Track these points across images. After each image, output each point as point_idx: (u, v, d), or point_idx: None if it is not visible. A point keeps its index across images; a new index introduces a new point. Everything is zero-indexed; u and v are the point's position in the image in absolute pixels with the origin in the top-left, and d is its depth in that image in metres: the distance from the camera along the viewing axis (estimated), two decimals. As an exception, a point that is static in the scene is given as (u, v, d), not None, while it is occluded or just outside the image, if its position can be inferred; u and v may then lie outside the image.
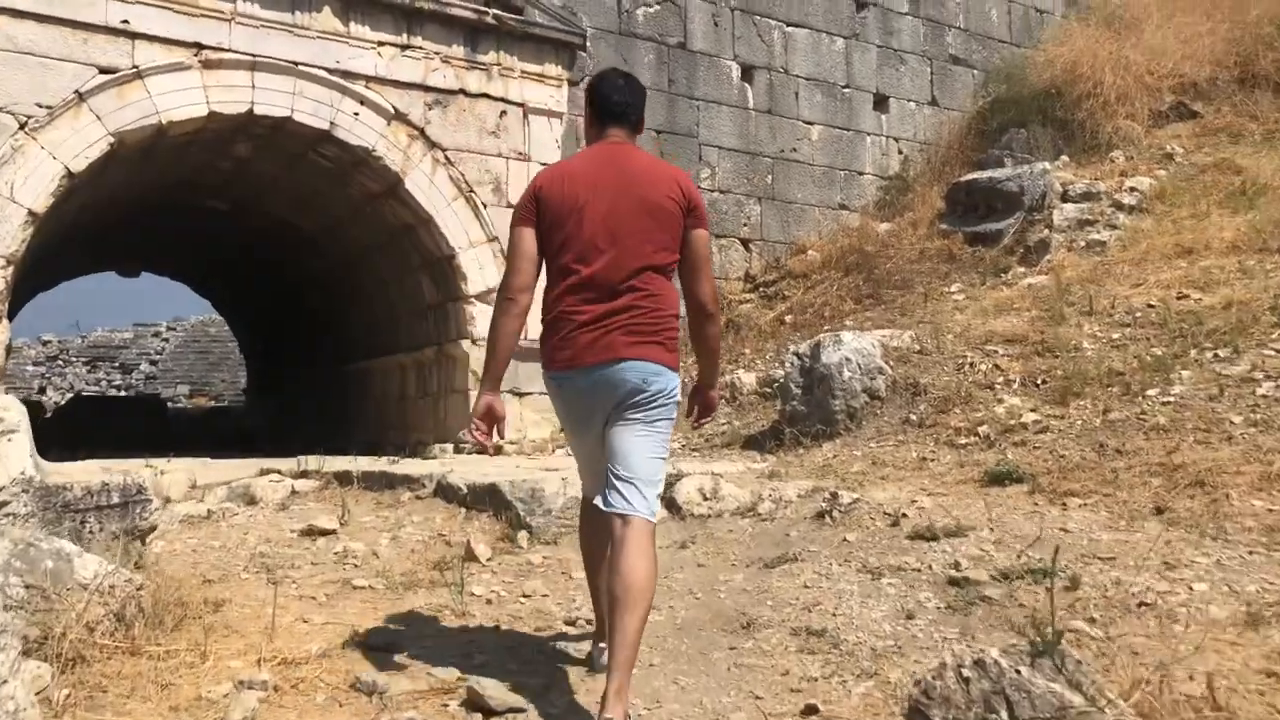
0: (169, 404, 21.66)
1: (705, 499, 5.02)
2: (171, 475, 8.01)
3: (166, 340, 28.47)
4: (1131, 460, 4.35)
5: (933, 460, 5.13)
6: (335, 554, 4.68)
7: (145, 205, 11.92)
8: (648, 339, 2.94)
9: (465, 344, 9.86)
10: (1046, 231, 9.52)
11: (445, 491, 5.68)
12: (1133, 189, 9.58)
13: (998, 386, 5.84)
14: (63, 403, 18.17)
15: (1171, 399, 4.91)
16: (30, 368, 29.38)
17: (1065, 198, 9.97)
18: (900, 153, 12.84)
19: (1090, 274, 7.70)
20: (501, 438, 3.11)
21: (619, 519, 2.83)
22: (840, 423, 6.12)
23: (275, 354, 16.03)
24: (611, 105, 3.19)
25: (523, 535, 4.92)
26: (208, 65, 8.70)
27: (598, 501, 2.94)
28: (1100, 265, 8.00)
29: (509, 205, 10.00)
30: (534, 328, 3.31)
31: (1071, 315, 6.58)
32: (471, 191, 9.91)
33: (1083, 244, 8.97)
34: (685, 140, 11.21)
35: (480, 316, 9.88)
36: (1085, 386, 5.39)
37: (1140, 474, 4.18)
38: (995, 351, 6.31)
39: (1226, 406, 4.66)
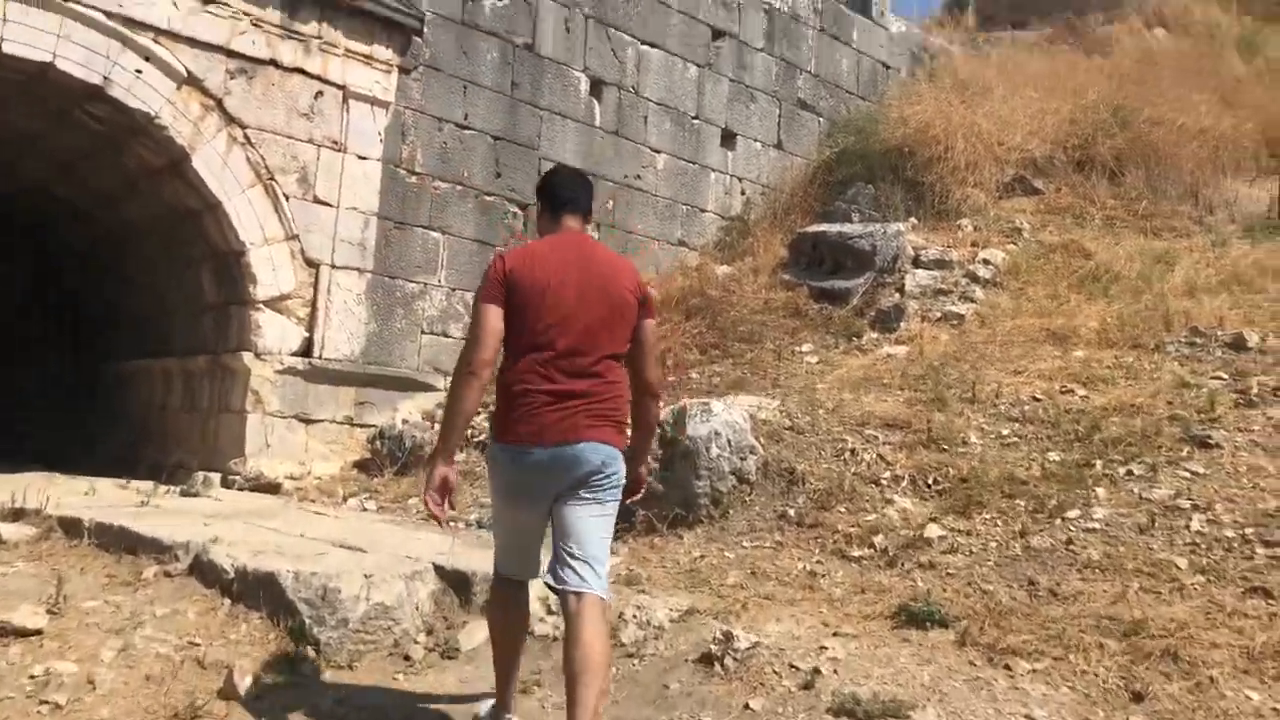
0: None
1: (548, 613, 3.96)
2: None
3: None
4: (1072, 608, 3.67)
5: (824, 576, 4.30)
6: (32, 680, 3.32)
7: None
8: (607, 422, 3.07)
9: (247, 357, 8.35)
10: (899, 296, 9.05)
11: (205, 571, 4.36)
12: (986, 261, 9.27)
13: (884, 482, 5.12)
14: None
15: (1096, 525, 4.30)
16: None
17: (917, 263, 9.57)
18: (743, 193, 12.23)
19: (957, 351, 7.19)
20: (453, 508, 3.24)
21: (574, 595, 2.94)
22: (703, 508, 5.22)
23: (19, 339, 13.65)
24: (563, 197, 3.36)
25: (308, 653, 3.70)
26: (-57, -17, 6.90)
27: (547, 579, 3.05)
28: (963, 342, 7.53)
29: (316, 200, 8.64)
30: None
31: (952, 401, 5.98)
32: (273, 179, 8.44)
33: (938, 314, 8.52)
34: (525, 152, 10.12)
35: (268, 326, 8.43)
36: (986, 494, 4.75)
37: (1090, 630, 3.49)
38: (876, 438, 5.61)
39: (1163, 543, 4.09)
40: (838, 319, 8.93)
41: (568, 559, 2.96)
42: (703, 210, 11.75)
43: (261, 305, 8.41)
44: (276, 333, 8.45)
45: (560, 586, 2.96)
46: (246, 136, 8.33)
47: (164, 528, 5.03)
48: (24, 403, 12.26)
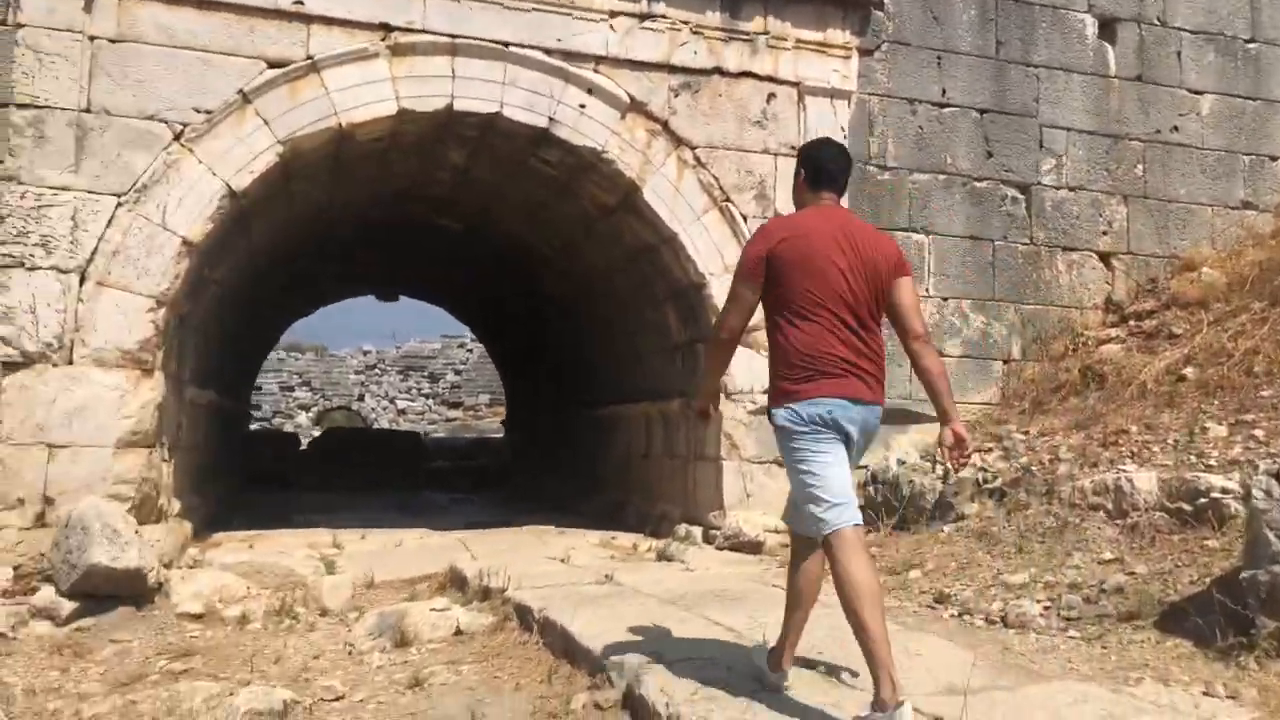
0: (425, 435, 21.08)
1: None
2: (339, 577, 6.25)
3: (470, 351, 29.04)
4: None
5: None
6: None
7: (368, 226, 10.54)
8: (879, 385, 3.29)
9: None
10: None
11: (636, 710, 3.33)
12: None
13: None
14: (318, 435, 17.76)
15: None
16: (351, 376, 32.09)
17: None
18: (1329, 128, 9.16)
19: None
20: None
21: (833, 535, 3.09)
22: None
23: (524, 387, 14.48)
24: (829, 171, 3.42)
25: None
26: (397, 51, 6.90)
27: (854, 518, 3.13)
28: None
29: (776, 216, 7.56)
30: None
31: None
32: (728, 200, 7.56)
33: None
34: (1019, 122, 8.28)
35: (737, 362, 7.50)
36: None
37: None
38: None
39: None
40: None
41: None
42: (1273, 158, 8.94)
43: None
44: (745, 368, 7.52)
45: (858, 525, 3.14)
46: (696, 157, 7.54)
47: (607, 626, 4.16)
48: (543, 442, 12.77)
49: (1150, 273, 8.34)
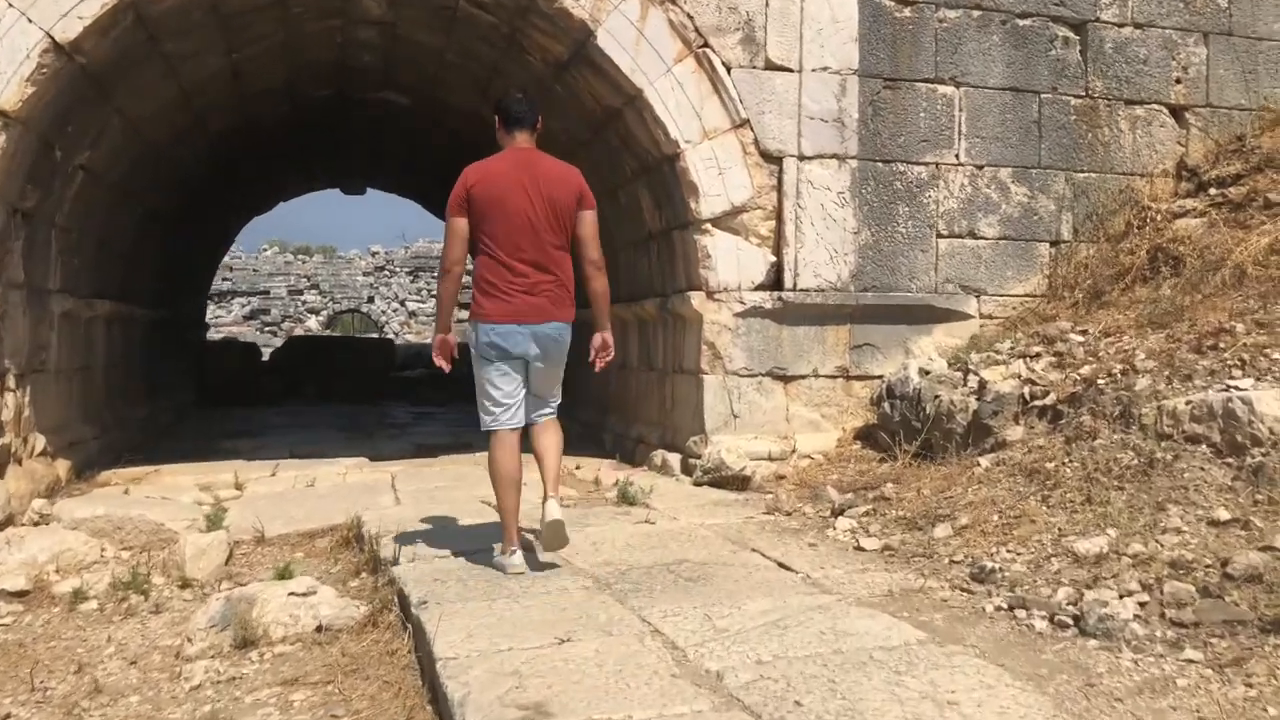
0: (401, 341, 19.79)
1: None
2: (213, 535, 4.93)
3: (484, 248, 28.40)
4: None
5: None
6: None
7: (301, 106, 8.99)
8: (564, 304, 3.88)
9: (696, 299, 6.09)
10: None
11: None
12: None
13: None
14: (279, 344, 16.43)
15: None
16: (360, 278, 31.53)
17: None
18: None
19: None
20: (454, 359, 3.93)
21: (539, 423, 3.91)
22: None
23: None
24: (515, 116, 3.93)
25: None
26: None
27: (527, 418, 3.89)
28: None
29: (768, 65, 6.05)
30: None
31: None
32: (705, 46, 5.99)
33: None
34: (1074, -60, 6.58)
35: (720, 252, 6.09)
36: None
37: None
38: None
39: None
40: None
41: (539, 400, 3.90)
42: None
43: (707, 225, 6.06)
44: (731, 261, 6.07)
45: (532, 421, 3.88)
46: (664, -10, 5.95)
47: (492, 642, 2.82)
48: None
49: (1234, 129, 6.73)
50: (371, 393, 12.43)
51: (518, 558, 3.71)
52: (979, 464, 4.55)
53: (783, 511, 4.75)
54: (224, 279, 33.33)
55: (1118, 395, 4.18)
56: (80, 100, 5.72)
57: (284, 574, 4.26)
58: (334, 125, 10.09)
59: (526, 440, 3.89)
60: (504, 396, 3.81)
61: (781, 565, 3.70)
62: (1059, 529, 3.52)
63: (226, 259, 33.20)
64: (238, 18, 6.31)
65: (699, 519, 4.64)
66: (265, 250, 35.74)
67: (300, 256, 36.71)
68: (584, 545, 4.13)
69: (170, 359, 10.66)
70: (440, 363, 3.93)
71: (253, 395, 12.42)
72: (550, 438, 3.87)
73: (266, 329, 30.46)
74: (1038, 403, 4.82)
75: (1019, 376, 5.07)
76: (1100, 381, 4.42)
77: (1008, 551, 3.48)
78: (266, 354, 15.81)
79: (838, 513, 4.54)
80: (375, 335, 21.23)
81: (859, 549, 3.93)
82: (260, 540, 5.10)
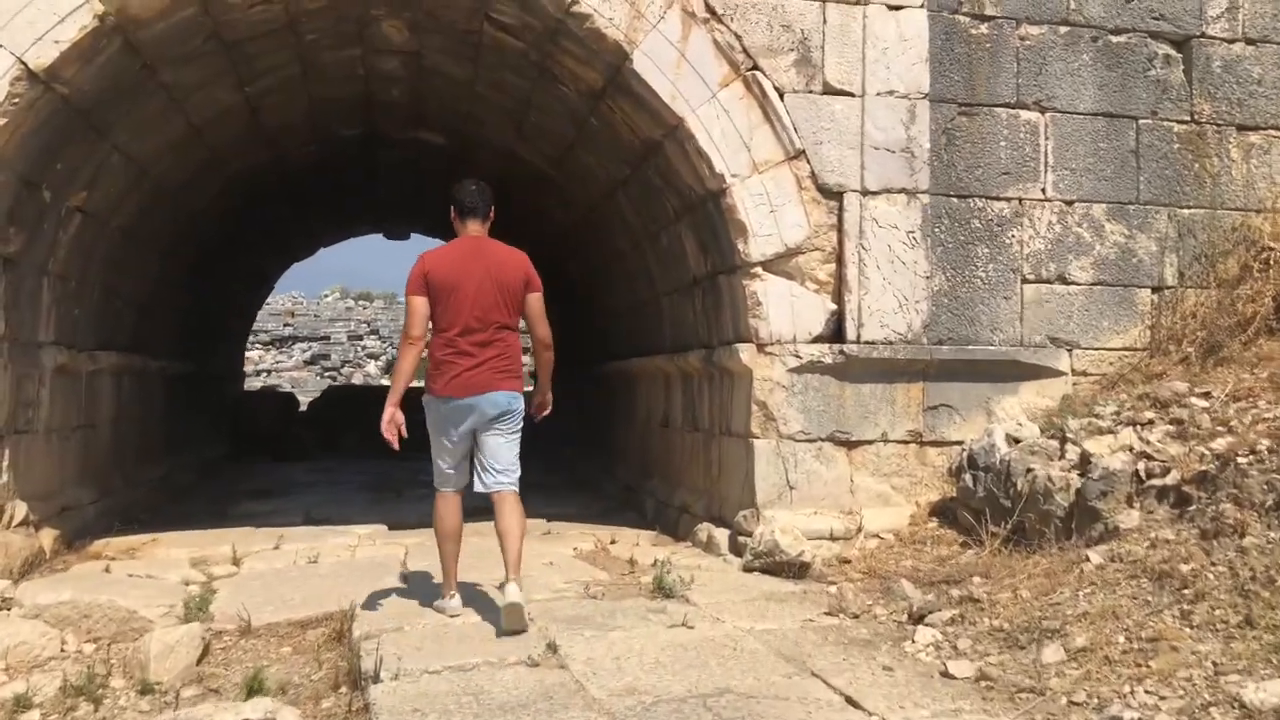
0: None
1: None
2: (185, 629, 4.25)
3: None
4: None
5: None
6: None
7: (331, 143, 8.49)
8: (508, 376, 4.14)
9: (745, 352, 5.36)
10: None
11: None
12: None
13: None
14: (317, 396, 15.95)
15: None
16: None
17: None
18: None
19: None
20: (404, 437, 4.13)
21: (497, 494, 4.11)
22: None
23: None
24: (467, 207, 4.24)
25: None
26: None
27: (478, 487, 4.15)
28: None
29: (826, 90, 5.36)
30: None
31: None
32: (755, 69, 5.31)
33: None
34: (1175, -54, 5.81)
35: (772, 300, 5.38)
36: None
37: None
38: None
39: None
40: None
41: (491, 471, 4.12)
42: None
43: (758, 269, 5.34)
44: (785, 309, 5.34)
45: (486, 489, 4.14)
46: (709, 6, 5.29)
47: None
48: (568, 399, 10.72)
49: (1368, 158, 5.86)
50: (409, 444, 11.83)
51: (455, 602, 4.21)
52: (1088, 558, 3.73)
53: (849, 613, 3.96)
54: (285, 324, 33.41)
55: (1268, 480, 3.35)
56: (67, 135, 5.21)
57: (254, 684, 3.57)
58: (366, 166, 9.60)
59: (483, 500, 4.21)
60: (446, 466, 4.21)
61: (850, 702, 2.92)
62: (1214, 662, 2.71)
63: (289, 304, 33.40)
64: (244, 45, 5.79)
65: (747, 623, 3.86)
66: (327, 296, 35.91)
67: (361, 302, 36.79)
68: (605, 660, 3.38)
69: (197, 411, 10.18)
70: (389, 437, 4.11)
71: (287, 448, 11.90)
72: (511, 519, 4.08)
73: (326, 374, 30.37)
74: (1155, 482, 3.99)
75: (1130, 449, 4.25)
76: (1241, 459, 3.59)
77: (1145, 692, 2.68)
78: (305, 403, 15.35)
79: (916, 618, 3.75)
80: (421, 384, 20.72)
81: (946, 675, 3.13)
82: (245, 631, 4.42)
